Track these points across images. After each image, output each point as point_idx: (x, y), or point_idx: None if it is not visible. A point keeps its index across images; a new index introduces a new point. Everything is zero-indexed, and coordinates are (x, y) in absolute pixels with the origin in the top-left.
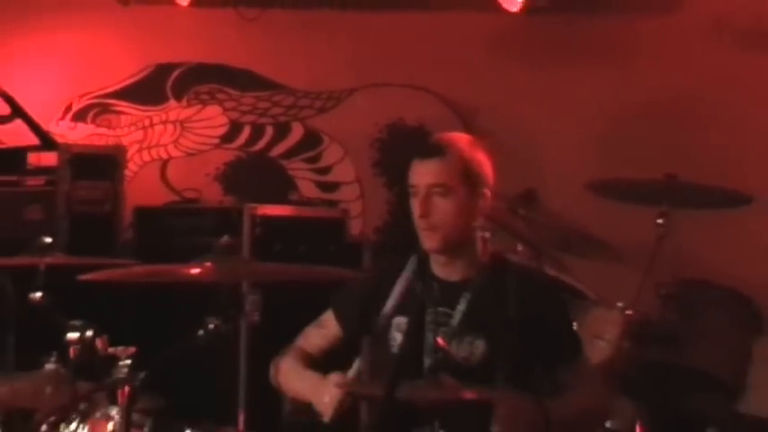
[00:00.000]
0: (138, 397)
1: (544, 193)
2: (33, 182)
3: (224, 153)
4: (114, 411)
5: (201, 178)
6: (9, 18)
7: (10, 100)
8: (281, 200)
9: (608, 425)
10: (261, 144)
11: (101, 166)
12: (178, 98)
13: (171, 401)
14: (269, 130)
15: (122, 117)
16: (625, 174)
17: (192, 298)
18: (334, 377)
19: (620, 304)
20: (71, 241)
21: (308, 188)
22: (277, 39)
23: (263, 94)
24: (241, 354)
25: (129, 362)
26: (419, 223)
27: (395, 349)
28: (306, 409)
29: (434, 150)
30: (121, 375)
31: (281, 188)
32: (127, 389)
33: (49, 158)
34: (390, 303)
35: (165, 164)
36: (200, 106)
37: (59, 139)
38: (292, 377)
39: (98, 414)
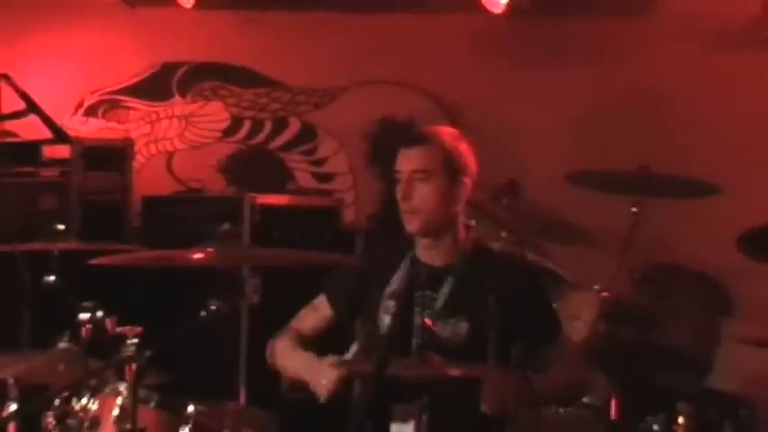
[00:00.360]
0: (145, 374)
1: (525, 183)
2: (48, 173)
3: (226, 146)
4: (122, 387)
5: (205, 169)
6: (25, 19)
7: (26, 96)
8: (280, 190)
9: (585, 399)
10: (260, 137)
11: (111, 158)
12: (183, 94)
13: (175, 378)
14: (268, 125)
15: (131, 112)
16: (601, 165)
17: (196, 281)
18: (331, 359)
19: (596, 287)
20: (83, 228)
21: (304, 179)
22: (275, 39)
23: (262, 90)
24: (242, 333)
25: (136, 341)
26: (402, 206)
27: (384, 330)
28: (303, 386)
29: (418, 139)
30: (129, 353)
31: (279, 179)
32: (134, 366)
33: (63, 151)
34: (393, 287)
35: (170, 156)
36: (203, 102)
37: (72, 133)
38: (288, 357)
39: (107, 390)
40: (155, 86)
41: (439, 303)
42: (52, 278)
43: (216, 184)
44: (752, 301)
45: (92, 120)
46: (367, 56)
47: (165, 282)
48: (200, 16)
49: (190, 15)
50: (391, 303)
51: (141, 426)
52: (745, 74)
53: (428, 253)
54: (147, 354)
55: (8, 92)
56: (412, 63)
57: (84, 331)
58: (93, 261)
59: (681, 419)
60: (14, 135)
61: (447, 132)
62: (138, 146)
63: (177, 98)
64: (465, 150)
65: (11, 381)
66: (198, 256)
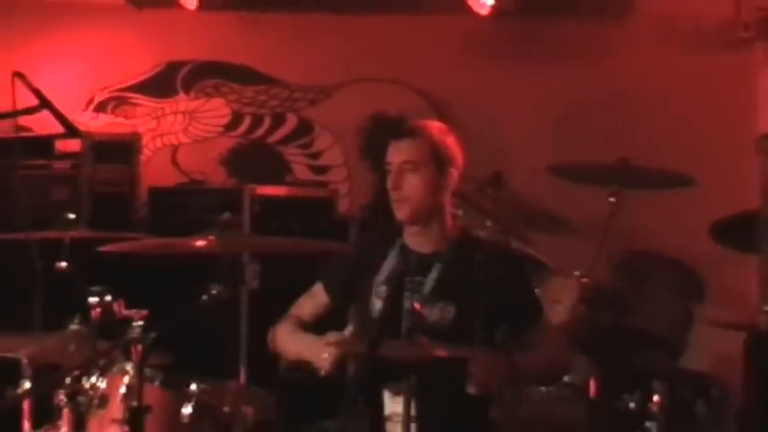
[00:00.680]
0: (150, 354)
1: (509, 175)
2: (60, 165)
3: (227, 140)
4: (129, 367)
5: (207, 162)
6: (39, 22)
7: (39, 93)
8: (278, 181)
9: (566, 379)
10: (260, 132)
11: (119, 151)
12: (187, 92)
13: (179, 358)
14: (267, 120)
15: (138, 108)
16: (581, 158)
17: (198, 267)
18: (330, 336)
19: (576, 273)
20: (92, 218)
21: (301, 171)
22: (274, 39)
23: (261, 88)
24: (242, 316)
25: (141, 323)
26: (392, 195)
27: (375, 314)
28: (300, 366)
29: (408, 132)
30: (135, 335)
31: (277, 171)
32: (140, 347)
33: (74, 145)
34: (383, 273)
35: (175, 149)
36: (206, 99)
37: (82, 128)
38: (290, 340)
39: (115, 369)
40: (160, 84)
41: (427, 288)
42: (64, 264)
43: (218, 176)
44: (723, 287)
45: (101, 115)
46: (360, 55)
47: (170, 268)
48: (203, 17)
49: (193, 17)
50: (382, 288)
51: (147, 403)
52: (717, 73)
53: (416, 240)
54: (152, 335)
55: (22, 89)
56: (403, 62)
57: (93, 314)
58: (102, 248)
59: (655, 398)
60: (28, 130)
61: (435, 126)
62: (145, 140)
63: (182, 95)
64: (452, 143)
65: (25, 360)
66: (200, 243)
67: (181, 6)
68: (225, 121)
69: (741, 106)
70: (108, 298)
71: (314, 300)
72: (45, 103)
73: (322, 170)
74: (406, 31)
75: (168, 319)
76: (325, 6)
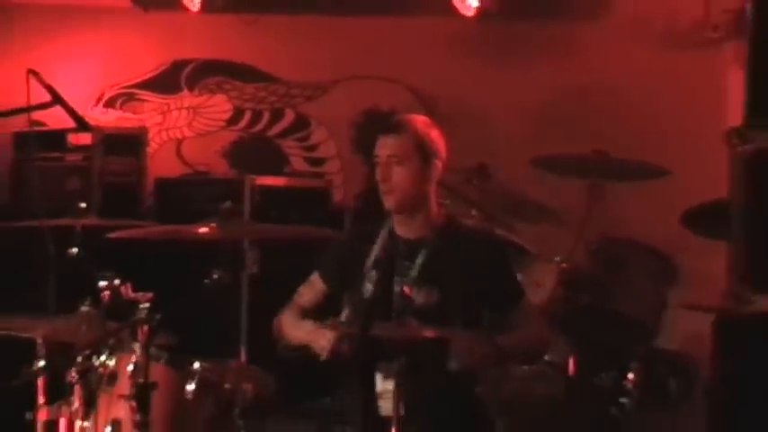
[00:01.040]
0: (156, 334)
1: (494, 167)
2: (72, 158)
3: (229, 134)
4: (136, 346)
5: (210, 155)
6: (52, 23)
7: (52, 90)
8: (277, 172)
9: (546, 357)
10: (259, 126)
11: (127, 144)
12: (191, 88)
13: (183, 338)
14: (266, 115)
15: (145, 104)
16: (561, 151)
17: (201, 253)
18: (329, 321)
19: (556, 258)
20: (103, 206)
21: (298, 163)
22: (273, 39)
23: (261, 85)
24: (242, 299)
25: (148, 305)
26: (380, 186)
27: (367, 297)
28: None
29: (394, 128)
30: (142, 317)
31: (276, 163)
32: (146, 328)
33: (85, 138)
34: (372, 258)
35: (180, 143)
36: (209, 95)
37: (93, 123)
38: (292, 328)
39: (123, 348)
40: (166, 81)
41: (413, 273)
42: (75, 250)
43: (220, 168)
44: (694, 272)
45: (111, 111)
46: (354, 54)
47: (174, 253)
48: (206, 19)
49: (196, 18)
50: (373, 273)
51: (153, 380)
52: (689, 71)
53: (404, 227)
54: (158, 317)
55: (36, 86)
56: (394, 61)
57: (103, 297)
58: (112, 235)
59: (631, 375)
60: (42, 124)
61: (420, 120)
62: (152, 134)
63: (186, 92)
64: (436, 136)
65: (39, 340)
66: (203, 230)
67: (185, 8)
68: (227, 116)
69: (711, 102)
70: (116, 282)
71: (312, 288)
72: (58, 99)
73: (318, 162)
74: (397, 32)
75: (173, 301)
76: (321, 8)
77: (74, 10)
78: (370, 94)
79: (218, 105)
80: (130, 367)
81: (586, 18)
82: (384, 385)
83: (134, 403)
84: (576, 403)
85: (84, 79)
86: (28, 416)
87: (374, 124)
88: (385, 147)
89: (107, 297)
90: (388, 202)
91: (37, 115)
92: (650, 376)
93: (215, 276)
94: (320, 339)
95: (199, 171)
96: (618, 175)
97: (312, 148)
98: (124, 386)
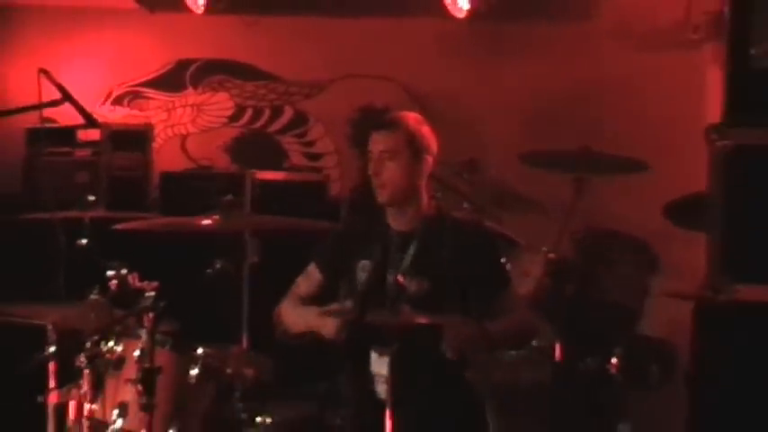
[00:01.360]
0: (161, 321)
1: (484, 161)
2: (81, 153)
3: (231, 130)
4: (142, 333)
5: (213, 150)
6: (62, 24)
7: (61, 88)
8: (276, 167)
9: (533, 343)
10: (260, 123)
11: (134, 140)
12: (195, 87)
13: (187, 325)
14: (266, 112)
15: (151, 102)
16: (548, 146)
17: (204, 244)
18: (332, 306)
19: (543, 249)
20: (110, 199)
21: (297, 158)
22: (273, 39)
23: (261, 83)
24: (244, 288)
25: (153, 294)
26: (373, 180)
27: (361, 286)
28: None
29: (386, 124)
30: (148, 304)
31: (275, 158)
32: (152, 315)
33: (94, 135)
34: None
35: (184, 139)
36: (212, 93)
37: (101, 120)
38: (294, 315)
39: (130, 334)
40: (171, 80)
41: (405, 263)
42: (84, 241)
43: (222, 162)
44: (675, 261)
45: (118, 108)
46: (350, 54)
47: (179, 244)
48: (209, 20)
49: (200, 19)
50: (367, 263)
51: (158, 365)
52: (670, 70)
53: (396, 220)
54: (163, 304)
55: (47, 84)
56: (388, 60)
57: (110, 286)
58: (119, 226)
59: (614, 360)
60: (53, 121)
61: (411, 117)
62: (157, 130)
63: (190, 90)
64: (426, 132)
65: (49, 327)
66: (206, 222)
67: (189, 10)
68: (229, 113)
69: (691, 100)
70: (123, 271)
71: (309, 278)
72: (68, 97)
73: (315, 157)
74: (392, 33)
75: (177, 290)
76: (320, 10)
77: (83, 12)
78: (365, 92)
79: (221, 103)
80: (137, 353)
81: (572, 20)
82: (378, 368)
83: (140, 387)
84: (562, 387)
85: (93, 78)
86: (39, 399)
87: (368, 121)
88: (378, 142)
89: (114, 286)
90: (381, 196)
91: (48, 112)
92: (633, 361)
93: (217, 266)
94: (326, 322)
95: (202, 165)
96: (602, 169)
97: (310, 143)
98: (131, 370)
